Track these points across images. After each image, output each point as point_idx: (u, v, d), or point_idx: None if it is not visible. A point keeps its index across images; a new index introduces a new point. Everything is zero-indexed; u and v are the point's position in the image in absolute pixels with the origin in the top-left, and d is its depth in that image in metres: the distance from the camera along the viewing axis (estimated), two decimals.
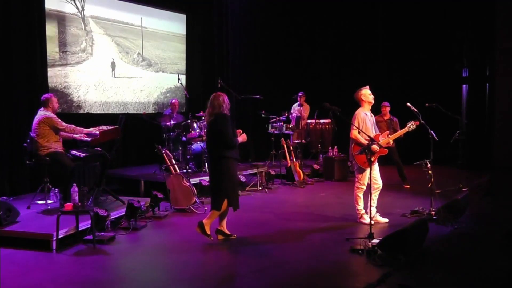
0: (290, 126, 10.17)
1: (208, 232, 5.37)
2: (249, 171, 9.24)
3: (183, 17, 10.97)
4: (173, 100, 9.30)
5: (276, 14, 12.50)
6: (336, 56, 12.90)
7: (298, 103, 10.88)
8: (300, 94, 10.85)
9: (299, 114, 10.73)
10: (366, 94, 6.18)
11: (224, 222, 5.52)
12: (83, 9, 8.62)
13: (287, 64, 12.89)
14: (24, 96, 7.45)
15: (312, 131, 11.43)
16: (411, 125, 6.31)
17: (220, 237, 5.47)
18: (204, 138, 8.60)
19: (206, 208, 7.12)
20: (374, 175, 5.96)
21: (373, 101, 6.26)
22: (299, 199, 8.18)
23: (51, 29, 8.03)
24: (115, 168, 8.47)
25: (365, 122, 6.11)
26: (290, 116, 10.26)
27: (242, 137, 5.57)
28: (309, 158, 11.38)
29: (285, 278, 4.40)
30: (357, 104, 6.35)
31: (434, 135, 6.89)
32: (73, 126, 6.44)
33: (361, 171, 6.18)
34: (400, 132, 6.41)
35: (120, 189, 7.53)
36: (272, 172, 9.33)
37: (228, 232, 5.53)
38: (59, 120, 6.35)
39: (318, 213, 6.91)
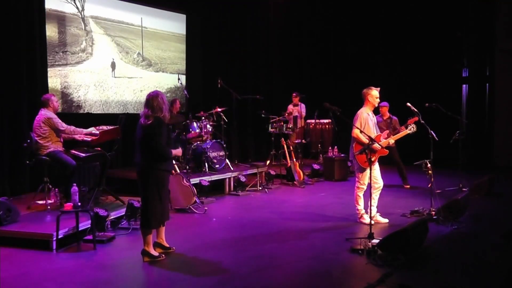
0: (290, 126, 10.17)
1: (167, 245, 5.08)
2: (249, 171, 9.23)
3: (183, 17, 10.96)
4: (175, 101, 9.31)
5: (276, 14, 12.49)
6: (336, 56, 12.90)
7: (292, 103, 10.93)
8: (293, 94, 10.89)
9: (296, 114, 10.76)
10: (374, 96, 6.19)
11: (163, 234, 5.09)
12: (83, 9, 8.62)
13: (288, 64, 12.89)
14: (24, 96, 7.44)
15: (312, 131, 11.44)
16: (412, 127, 6.34)
17: (158, 250, 4.99)
18: (204, 138, 8.63)
19: (206, 208, 7.13)
20: (374, 175, 5.97)
21: (377, 105, 6.30)
22: (299, 199, 8.18)
23: (51, 29, 8.02)
24: (115, 168, 8.46)
25: (367, 122, 6.13)
26: (286, 116, 10.28)
27: (176, 151, 5.03)
28: (309, 158, 11.39)
29: (285, 278, 4.40)
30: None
31: (434, 135, 6.90)
32: (73, 127, 6.43)
33: (361, 170, 6.18)
34: (401, 134, 6.42)
35: (120, 189, 7.52)
36: (272, 172, 9.33)
37: (167, 245, 5.10)
38: (60, 121, 6.34)
39: (318, 213, 6.91)
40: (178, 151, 5.14)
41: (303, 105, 10.94)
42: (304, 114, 10.99)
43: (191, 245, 5.37)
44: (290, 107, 10.99)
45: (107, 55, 9.16)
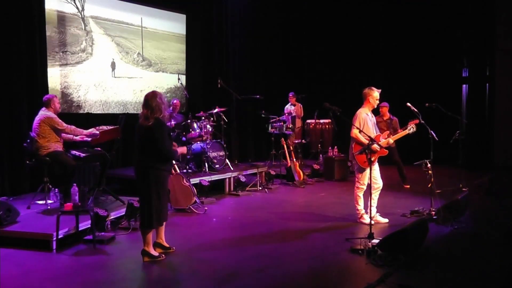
0: (290, 126, 10.17)
1: (167, 245, 5.06)
2: (249, 171, 9.23)
3: (183, 17, 10.96)
4: (175, 101, 9.31)
5: (276, 14, 12.49)
6: (336, 56, 12.89)
7: (289, 103, 10.94)
8: (290, 94, 10.90)
9: (294, 114, 10.77)
10: (375, 98, 6.18)
11: (162, 234, 5.07)
12: (83, 9, 8.62)
13: (287, 64, 12.89)
14: (24, 96, 7.44)
15: (312, 131, 11.44)
16: (411, 128, 6.32)
17: (158, 250, 4.97)
18: (204, 138, 8.62)
19: (206, 208, 7.13)
20: (374, 175, 5.96)
21: (376, 106, 6.30)
22: (299, 199, 8.18)
23: (51, 29, 8.02)
24: (115, 168, 8.45)
25: (366, 122, 6.12)
26: (286, 117, 10.28)
27: (181, 149, 5.15)
28: (309, 158, 11.39)
29: (285, 278, 4.40)
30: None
31: (434, 135, 6.89)
32: (74, 127, 6.44)
33: (361, 170, 6.18)
34: (400, 134, 6.41)
35: (120, 189, 7.52)
36: (272, 172, 9.33)
37: (167, 245, 5.08)
38: (60, 120, 6.34)
39: (318, 213, 6.91)
40: (183, 149, 5.25)
41: (300, 105, 10.94)
42: (301, 114, 10.99)
43: (191, 245, 5.36)
44: (288, 107, 11.00)
45: (107, 55, 9.16)
